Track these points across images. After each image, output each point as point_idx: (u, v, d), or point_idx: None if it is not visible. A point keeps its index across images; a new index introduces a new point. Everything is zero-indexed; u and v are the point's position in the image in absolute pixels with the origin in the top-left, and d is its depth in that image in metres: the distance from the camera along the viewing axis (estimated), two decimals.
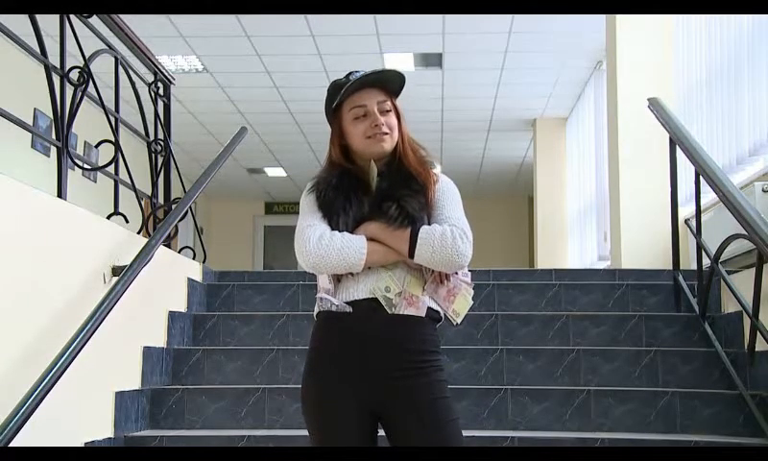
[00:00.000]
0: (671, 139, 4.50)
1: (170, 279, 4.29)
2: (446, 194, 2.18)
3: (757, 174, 4.95)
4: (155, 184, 4.53)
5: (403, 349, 2.09)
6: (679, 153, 4.42)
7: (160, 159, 4.64)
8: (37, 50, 3.28)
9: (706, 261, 4.21)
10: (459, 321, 2.18)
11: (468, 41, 8.02)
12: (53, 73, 3.34)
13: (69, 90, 3.50)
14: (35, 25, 3.24)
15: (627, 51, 6.52)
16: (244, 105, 9.97)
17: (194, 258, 4.85)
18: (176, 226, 4.21)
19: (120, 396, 3.43)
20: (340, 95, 2.17)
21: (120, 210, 3.92)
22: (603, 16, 6.95)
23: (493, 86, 9.30)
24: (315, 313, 2.20)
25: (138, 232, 3.96)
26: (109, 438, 3.32)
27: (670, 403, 3.55)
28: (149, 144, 4.58)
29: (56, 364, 2.64)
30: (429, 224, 2.11)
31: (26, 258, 2.82)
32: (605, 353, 3.93)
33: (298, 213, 2.20)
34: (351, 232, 2.11)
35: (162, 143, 4.66)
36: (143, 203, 4.32)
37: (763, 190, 4.47)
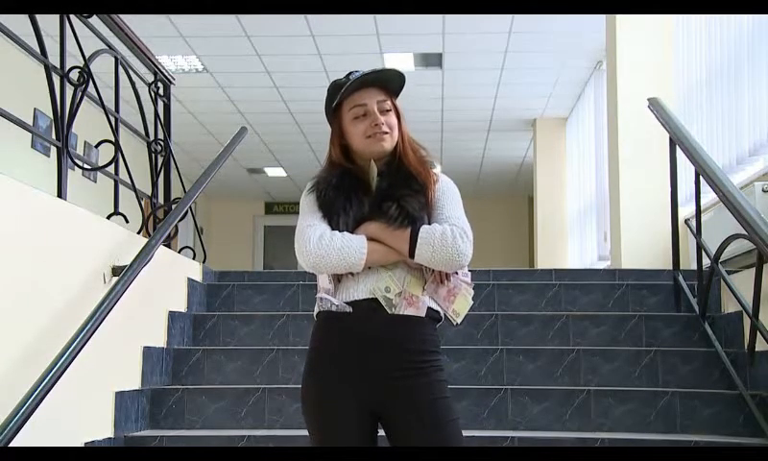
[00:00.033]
0: (671, 139, 4.50)
1: (170, 279, 4.29)
2: (446, 194, 2.18)
3: (757, 174, 4.95)
4: (155, 184, 4.53)
5: (403, 349, 2.09)
6: (679, 153, 4.42)
7: (160, 159, 4.64)
8: (37, 50, 3.28)
9: (706, 261, 4.21)
10: (459, 321, 2.18)
11: (468, 41, 8.02)
12: (53, 73, 3.34)
13: (69, 90, 3.50)
14: (35, 25, 3.24)
15: (627, 51, 6.52)
16: (244, 105, 9.97)
17: (194, 258, 4.85)
18: (176, 226, 4.21)
19: (120, 396, 3.44)
20: (340, 95, 2.17)
21: (120, 210, 3.92)
22: (603, 16, 6.95)
23: (493, 86, 9.30)
24: (315, 313, 2.20)
25: (138, 232, 3.96)
26: (109, 438, 3.32)
27: (670, 403, 3.55)
28: (149, 144, 4.58)
29: (56, 364, 2.64)
30: (429, 224, 2.11)
31: (26, 258, 2.82)
32: (605, 353, 3.93)
33: (298, 213, 2.20)
34: (351, 232, 2.11)
35: (162, 143, 4.66)
36: (143, 203, 4.32)
37: (763, 190, 4.47)
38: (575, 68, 8.74)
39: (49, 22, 3.35)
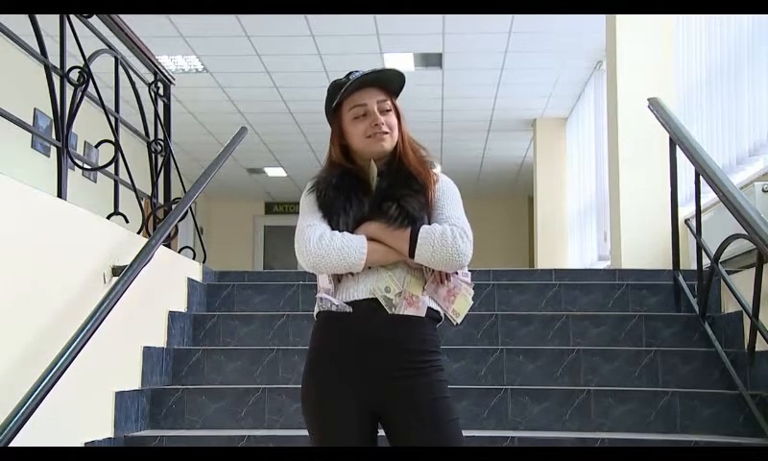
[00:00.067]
0: (671, 139, 4.50)
1: (170, 279, 4.29)
2: (446, 194, 2.18)
3: (757, 174, 4.95)
4: (155, 184, 4.53)
5: (403, 349, 2.09)
6: (679, 153, 4.42)
7: (160, 159, 4.64)
8: (37, 50, 3.28)
9: (706, 261, 4.21)
10: (459, 321, 2.18)
11: (468, 41, 8.02)
12: (53, 73, 3.34)
13: (69, 90, 3.50)
14: (35, 25, 3.24)
15: (627, 51, 6.53)
16: (244, 105, 9.97)
17: (194, 258, 4.85)
18: (176, 226, 4.21)
19: (120, 396, 3.44)
20: (340, 95, 2.17)
21: (120, 210, 3.92)
22: (603, 16, 6.95)
23: (493, 86, 9.30)
24: (315, 313, 2.20)
25: (138, 232, 3.96)
26: (109, 438, 3.32)
27: (670, 403, 3.55)
28: (149, 144, 4.58)
29: (56, 364, 2.64)
30: (429, 224, 2.11)
31: (26, 258, 2.82)
32: (605, 353, 3.93)
33: (298, 213, 2.20)
34: (352, 232, 2.10)
35: (162, 143, 4.66)
36: (143, 203, 4.32)
37: (763, 190, 4.47)
38: (575, 68, 8.74)
39: (49, 22, 3.35)
